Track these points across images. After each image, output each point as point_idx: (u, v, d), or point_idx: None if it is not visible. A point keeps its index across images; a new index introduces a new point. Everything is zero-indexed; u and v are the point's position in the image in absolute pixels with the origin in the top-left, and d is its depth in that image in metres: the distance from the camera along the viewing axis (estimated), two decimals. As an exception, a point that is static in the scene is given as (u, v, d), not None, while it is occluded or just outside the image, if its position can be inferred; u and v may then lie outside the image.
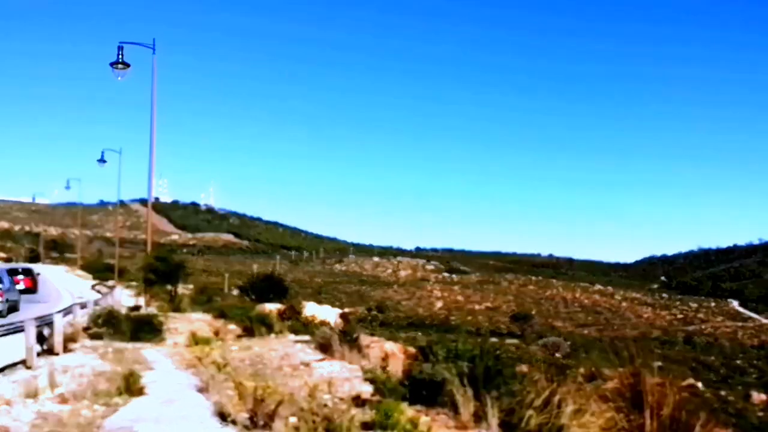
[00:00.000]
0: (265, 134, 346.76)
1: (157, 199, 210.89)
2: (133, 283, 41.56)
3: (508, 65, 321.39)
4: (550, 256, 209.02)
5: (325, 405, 8.82)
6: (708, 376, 63.50)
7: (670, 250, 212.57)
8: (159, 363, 14.07)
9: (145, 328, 17.87)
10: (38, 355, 12.87)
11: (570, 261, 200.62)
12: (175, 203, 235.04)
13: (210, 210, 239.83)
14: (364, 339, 17.69)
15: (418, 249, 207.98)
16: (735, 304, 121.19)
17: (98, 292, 37.14)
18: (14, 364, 12.26)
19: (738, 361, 73.74)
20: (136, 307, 23.12)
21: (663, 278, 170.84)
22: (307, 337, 18.26)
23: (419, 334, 64.84)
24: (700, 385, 55.92)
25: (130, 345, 16.46)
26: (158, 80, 27.50)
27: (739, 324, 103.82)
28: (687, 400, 5.98)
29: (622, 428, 5.76)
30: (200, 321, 25.01)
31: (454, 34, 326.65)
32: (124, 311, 19.71)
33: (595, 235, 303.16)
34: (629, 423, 5.75)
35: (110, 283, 43.48)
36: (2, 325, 14.30)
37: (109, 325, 17.76)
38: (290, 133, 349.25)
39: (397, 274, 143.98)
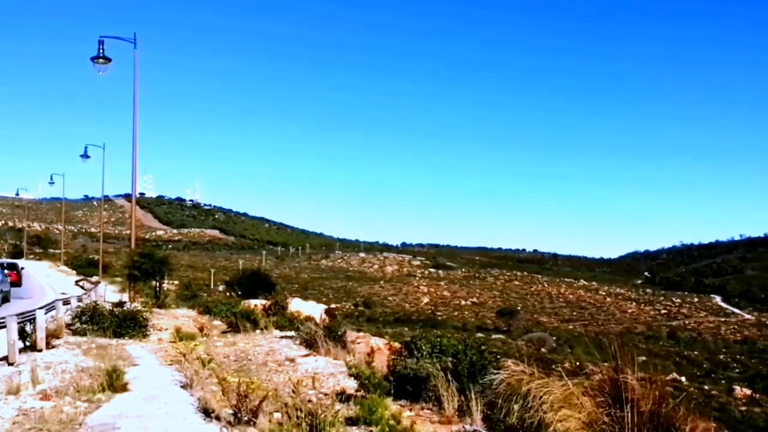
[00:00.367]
0: (252, 130, 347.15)
1: (142, 194, 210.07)
2: (118, 279, 41.33)
3: (496, 63, 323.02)
4: (535, 251, 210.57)
5: (310, 400, 8.83)
6: (692, 370, 64.30)
7: (653, 246, 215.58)
8: (143, 359, 14.00)
9: (129, 324, 17.78)
10: (20, 351, 12.76)
11: (555, 256, 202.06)
12: (160, 199, 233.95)
13: (195, 205, 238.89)
14: (351, 335, 17.71)
15: (404, 245, 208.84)
16: (718, 299, 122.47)
17: (82, 287, 36.85)
18: (-4, 361, 12.16)
19: (721, 356, 74.61)
20: (121, 303, 22.93)
21: (646, 274, 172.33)
22: (292, 333, 18.26)
23: (406, 329, 65.10)
24: (683, 379, 56.64)
25: (114, 341, 16.36)
26: (143, 79, 27.45)
27: (722, 319, 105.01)
28: (668, 395, 6.04)
29: (603, 423, 5.81)
30: (185, 317, 24.94)
31: (432, 31, 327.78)
32: (108, 307, 19.54)
33: (579, 231, 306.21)
34: (610, 417, 5.79)
35: (94, 278, 43.14)
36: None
37: (92, 321, 17.65)
38: (277, 130, 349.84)
39: (383, 269, 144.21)
